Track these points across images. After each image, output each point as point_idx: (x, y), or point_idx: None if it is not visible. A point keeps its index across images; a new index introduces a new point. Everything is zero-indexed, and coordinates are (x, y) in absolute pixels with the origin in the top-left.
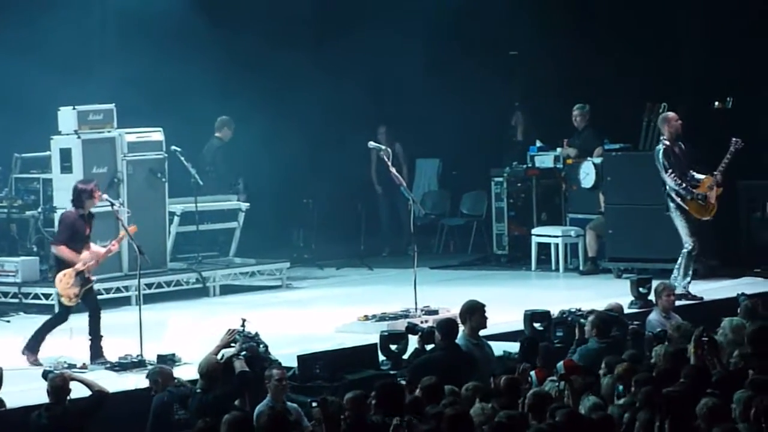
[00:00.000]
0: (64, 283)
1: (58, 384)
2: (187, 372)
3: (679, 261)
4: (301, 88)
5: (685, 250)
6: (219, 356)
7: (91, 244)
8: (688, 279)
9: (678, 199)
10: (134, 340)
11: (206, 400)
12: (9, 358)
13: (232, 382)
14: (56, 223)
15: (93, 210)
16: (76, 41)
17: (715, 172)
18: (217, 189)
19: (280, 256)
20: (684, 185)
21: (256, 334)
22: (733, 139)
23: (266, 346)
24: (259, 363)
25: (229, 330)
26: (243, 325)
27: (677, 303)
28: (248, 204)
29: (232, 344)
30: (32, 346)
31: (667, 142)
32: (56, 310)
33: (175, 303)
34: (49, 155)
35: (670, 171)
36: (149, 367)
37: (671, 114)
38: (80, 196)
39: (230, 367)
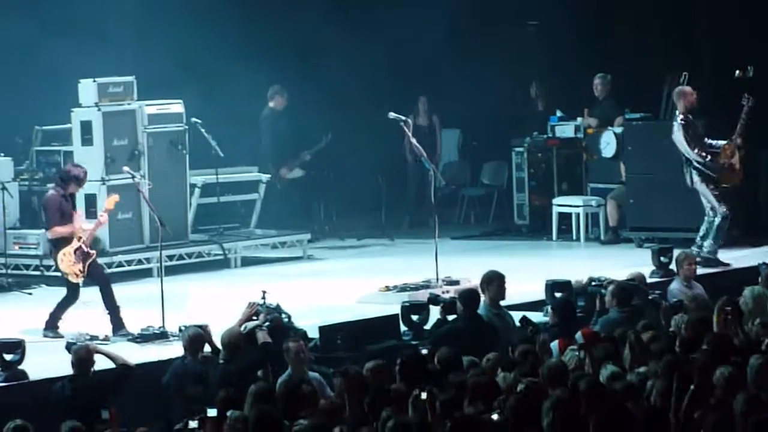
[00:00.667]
0: (67, 262)
1: (82, 356)
2: None
3: (704, 228)
4: (322, 60)
5: (719, 217)
6: (242, 328)
7: (79, 219)
8: (718, 245)
9: (707, 171)
10: (156, 311)
11: (229, 370)
12: (32, 331)
13: (254, 353)
14: (40, 207)
15: (115, 182)
16: (97, 12)
17: (734, 137)
18: (267, 158)
19: (301, 228)
20: (709, 158)
21: (278, 305)
22: (744, 95)
23: (289, 316)
24: (284, 333)
25: (250, 303)
26: (263, 297)
27: (704, 270)
28: (269, 175)
29: (254, 317)
30: (51, 325)
31: (683, 117)
32: (66, 290)
33: (197, 274)
34: (70, 128)
35: (692, 146)
36: (171, 338)
37: (687, 88)
38: (70, 180)
39: (253, 339)
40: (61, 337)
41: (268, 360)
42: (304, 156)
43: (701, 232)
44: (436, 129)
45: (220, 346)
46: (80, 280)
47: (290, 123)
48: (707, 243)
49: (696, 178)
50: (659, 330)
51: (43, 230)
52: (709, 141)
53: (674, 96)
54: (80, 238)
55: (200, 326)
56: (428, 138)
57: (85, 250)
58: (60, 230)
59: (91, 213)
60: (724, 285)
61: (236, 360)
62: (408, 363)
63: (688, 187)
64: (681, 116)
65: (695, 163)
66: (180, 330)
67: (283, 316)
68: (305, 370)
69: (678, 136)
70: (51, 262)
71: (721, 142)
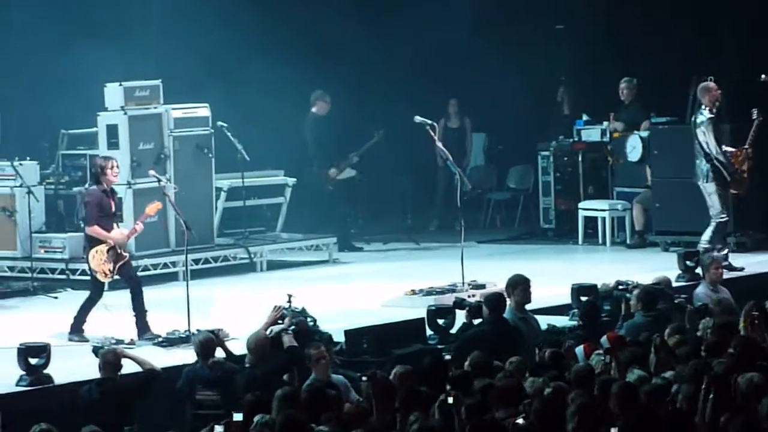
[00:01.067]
0: (98, 260)
1: (110, 360)
2: (235, 347)
3: (710, 232)
4: (347, 61)
5: (720, 221)
6: (267, 331)
7: (117, 233)
8: (727, 249)
9: (724, 172)
10: (182, 315)
11: (255, 375)
12: (57, 335)
13: (280, 356)
14: (80, 203)
15: (141, 186)
16: (122, 15)
17: (746, 146)
18: (312, 163)
19: (327, 232)
20: (729, 159)
21: (303, 309)
22: (753, 110)
23: (314, 320)
24: (309, 337)
25: (276, 307)
26: (289, 301)
27: (731, 274)
28: (295, 179)
29: (280, 321)
30: (76, 329)
31: (709, 113)
32: (90, 290)
33: (222, 278)
34: (96, 131)
35: (717, 143)
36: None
37: (711, 84)
38: (97, 173)
39: (279, 343)
40: (86, 341)
41: (294, 364)
42: (352, 158)
43: (709, 236)
44: (467, 132)
45: (245, 350)
46: (107, 280)
47: (332, 126)
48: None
49: (710, 175)
50: (685, 334)
51: (68, 233)
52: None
53: (699, 92)
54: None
55: (212, 331)
56: (459, 141)
57: (118, 251)
58: (99, 232)
59: (116, 216)
60: (750, 289)
61: (262, 364)
62: (428, 368)
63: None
64: (708, 111)
65: (716, 161)
66: (192, 335)
67: (309, 320)
68: (329, 374)
69: (706, 131)
70: (77, 265)
71: (731, 149)
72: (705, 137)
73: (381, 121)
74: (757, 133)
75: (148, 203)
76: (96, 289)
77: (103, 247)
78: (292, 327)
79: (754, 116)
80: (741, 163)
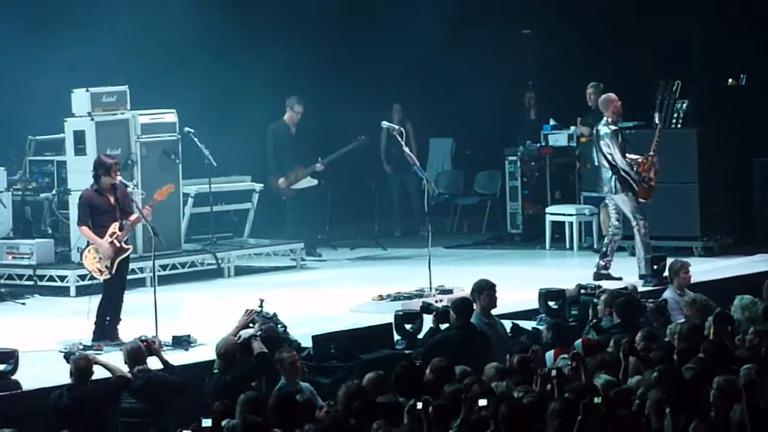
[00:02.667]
0: (89, 259)
1: (82, 366)
2: (204, 353)
3: (607, 244)
4: (312, 65)
5: (643, 230)
6: (237, 337)
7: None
8: (609, 258)
9: (631, 182)
10: (149, 321)
11: (224, 380)
12: (25, 341)
13: (250, 363)
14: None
15: None
16: (88, 21)
17: (650, 153)
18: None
19: (294, 237)
20: (635, 168)
21: (275, 315)
22: (654, 114)
23: (285, 327)
24: (278, 344)
25: (247, 311)
26: (261, 306)
27: (698, 278)
28: (262, 185)
29: (250, 325)
30: (103, 334)
31: (613, 125)
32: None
33: (190, 284)
34: (63, 137)
35: (621, 154)
36: (164, 348)
37: (612, 95)
38: (97, 171)
39: (248, 348)
40: (122, 344)
41: (263, 370)
42: (314, 166)
43: (603, 248)
44: (410, 137)
45: (214, 355)
46: (107, 277)
47: (299, 134)
48: (607, 260)
49: (619, 187)
50: (654, 340)
51: (36, 239)
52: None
53: (601, 104)
54: (114, 233)
55: (146, 339)
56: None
57: (118, 244)
58: (86, 233)
59: (123, 212)
60: (715, 293)
61: (232, 370)
62: (402, 374)
63: (681, 193)
64: (611, 123)
65: (622, 172)
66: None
67: (279, 326)
68: (298, 381)
69: (609, 143)
70: (44, 272)
71: (634, 157)
72: (610, 149)
73: (347, 127)
74: (661, 139)
75: (158, 189)
76: (108, 289)
77: (93, 246)
78: (260, 333)
79: (656, 120)
80: (647, 171)
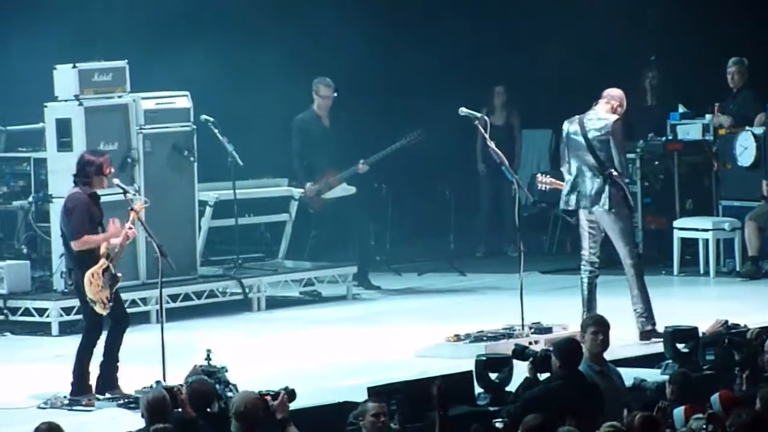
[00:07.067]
0: (95, 285)
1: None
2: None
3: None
4: (363, 38)
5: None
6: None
7: (115, 226)
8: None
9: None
10: (156, 367)
11: None
12: None
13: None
14: (63, 214)
15: (102, 199)
16: None
17: None
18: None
19: (344, 259)
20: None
21: (222, 369)
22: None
23: (234, 386)
24: (209, 400)
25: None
26: (208, 358)
27: None
28: (302, 190)
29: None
30: (82, 388)
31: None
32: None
33: (208, 320)
34: (43, 128)
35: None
36: None
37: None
38: (86, 170)
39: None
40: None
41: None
42: (354, 169)
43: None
44: (515, 130)
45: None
46: (107, 311)
47: (333, 128)
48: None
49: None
50: None
51: (7, 261)
52: None
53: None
54: (108, 255)
55: (171, 388)
56: (504, 142)
57: (113, 272)
58: (93, 239)
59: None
60: None
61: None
62: None
63: None
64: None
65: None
66: (144, 392)
67: (220, 384)
68: None
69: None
70: (18, 303)
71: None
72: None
73: (412, 117)
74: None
75: (134, 203)
76: (94, 325)
77: (98, 269)
78: (185, 386)
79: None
80: None
